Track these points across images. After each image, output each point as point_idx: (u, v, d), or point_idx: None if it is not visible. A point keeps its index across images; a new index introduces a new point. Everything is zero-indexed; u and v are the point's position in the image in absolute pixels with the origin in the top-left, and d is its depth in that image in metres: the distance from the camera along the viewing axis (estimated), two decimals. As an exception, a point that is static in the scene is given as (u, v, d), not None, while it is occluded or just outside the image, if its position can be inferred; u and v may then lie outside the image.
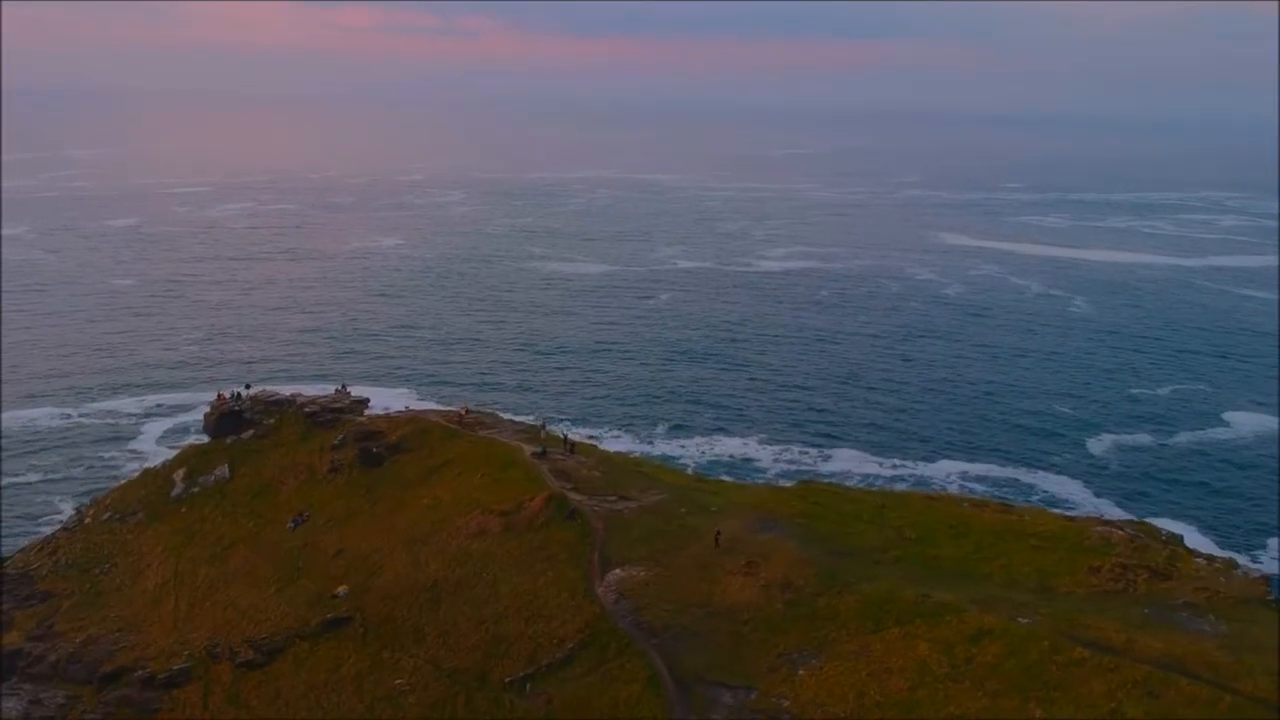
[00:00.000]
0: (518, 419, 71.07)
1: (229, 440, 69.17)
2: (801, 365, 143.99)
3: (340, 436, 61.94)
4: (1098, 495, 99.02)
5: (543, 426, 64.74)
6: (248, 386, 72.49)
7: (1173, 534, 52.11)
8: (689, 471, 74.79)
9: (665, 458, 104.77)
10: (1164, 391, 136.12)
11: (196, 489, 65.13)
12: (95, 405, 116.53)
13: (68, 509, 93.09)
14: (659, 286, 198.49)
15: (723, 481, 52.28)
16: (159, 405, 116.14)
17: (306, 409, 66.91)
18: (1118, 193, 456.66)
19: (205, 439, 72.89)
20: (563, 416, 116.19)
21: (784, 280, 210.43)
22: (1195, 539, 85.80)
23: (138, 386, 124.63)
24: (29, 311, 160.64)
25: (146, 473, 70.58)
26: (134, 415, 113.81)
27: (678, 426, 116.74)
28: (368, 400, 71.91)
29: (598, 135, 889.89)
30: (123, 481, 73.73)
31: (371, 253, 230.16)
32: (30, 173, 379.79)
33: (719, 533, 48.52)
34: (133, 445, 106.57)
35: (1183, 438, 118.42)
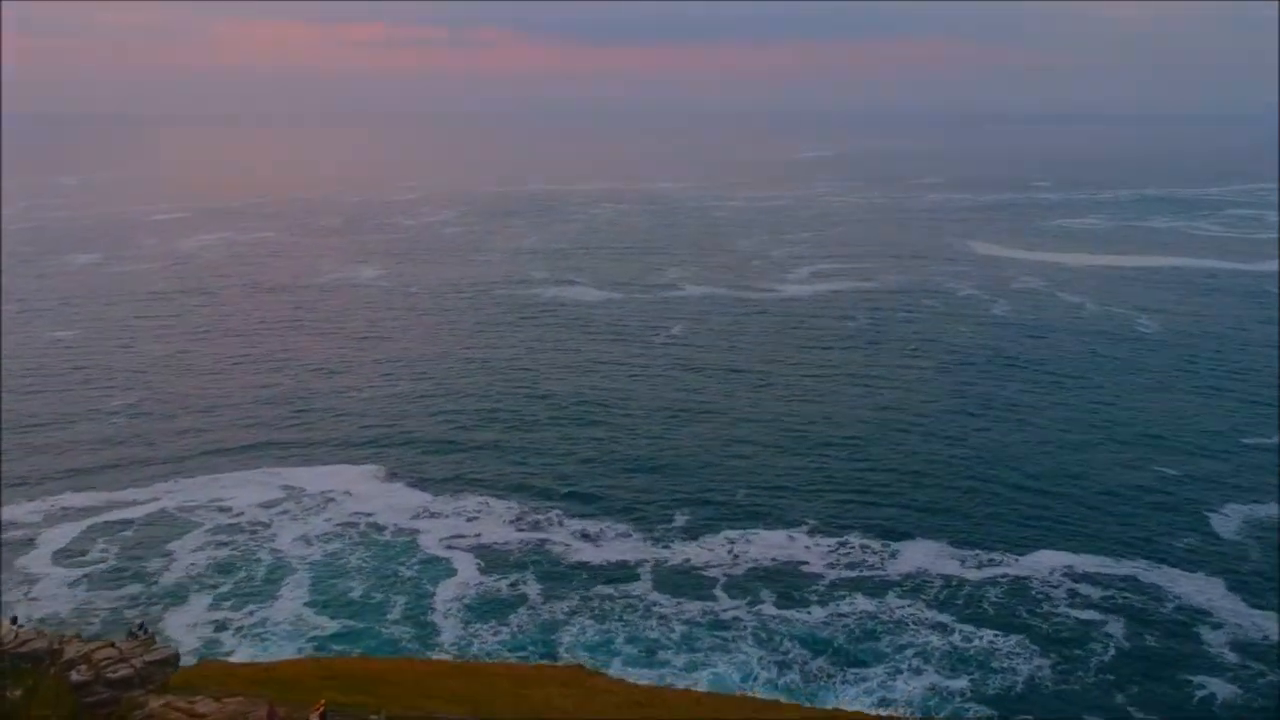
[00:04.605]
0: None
1: None
2: (843, 417, 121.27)
3: (111, 746, 37.53)
4: (1253, 606, 75.86)
5: None
6: (14, 620, 47.23)
7: None
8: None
9: (689, 569, 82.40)
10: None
11: None
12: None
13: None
14: (669, 318, 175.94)
15: None
16: (64, 509, 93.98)
17: (75, 675, 40.07)
18: (1152, 188, 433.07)
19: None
20: (553, 505, 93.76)
21: (812, 305, 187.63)
22: None
23: (44, 475, 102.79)
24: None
25: None
26: (31, 523, 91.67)
27: (700, 507, 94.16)
28: (176, 659, 43.98)
29: (608, 145, 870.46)
30: None
31: (349, 284, 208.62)
32: (9, 202, 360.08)
33: None
34: (22, 563, 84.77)
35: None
